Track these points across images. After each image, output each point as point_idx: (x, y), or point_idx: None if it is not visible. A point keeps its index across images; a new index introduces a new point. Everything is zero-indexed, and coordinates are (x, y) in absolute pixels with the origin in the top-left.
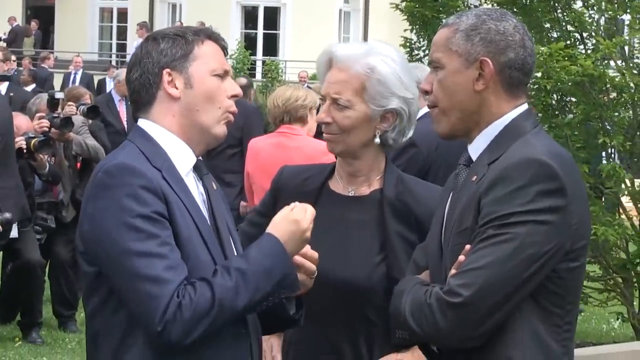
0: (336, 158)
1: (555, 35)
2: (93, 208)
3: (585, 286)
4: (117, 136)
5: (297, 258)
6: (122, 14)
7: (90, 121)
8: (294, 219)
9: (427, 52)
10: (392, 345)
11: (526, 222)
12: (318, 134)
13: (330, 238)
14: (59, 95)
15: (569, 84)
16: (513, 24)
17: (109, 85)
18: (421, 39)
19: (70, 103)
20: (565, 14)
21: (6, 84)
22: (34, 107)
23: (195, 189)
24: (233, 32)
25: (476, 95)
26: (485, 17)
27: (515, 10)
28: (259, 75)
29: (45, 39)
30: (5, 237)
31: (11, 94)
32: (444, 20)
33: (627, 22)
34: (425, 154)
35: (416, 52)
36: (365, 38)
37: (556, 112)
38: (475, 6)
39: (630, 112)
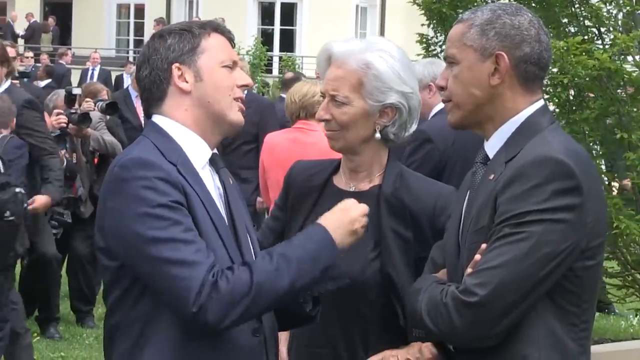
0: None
1: (572, 30)
2: (113, 203)
3: (603, 282)
4: (134, 132)
5: None
6: (139, 10)
7: (107, 117)
8: (342, 207)
9: (443, 48)
10: (386, 340)
11: (542, 220)
12: None
13: None
14: (77, 91)
15: (586, 78)
16: (528, 19)
17: (126, 81)
18: (438, 35)
19: (87, 99)
20: (582, 8)
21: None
22: (51, 104)
23: (212, 182)
24: (250, 28)
25: (492, 89)
26: (501, 12)
27: (533, 4)
28: (275, 71)
29: (63, 35)
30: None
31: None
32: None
33: None
34: (442, 149)
35: (433, 47)
36: (382, 34)
37: (573, 108)
38: (492, 1)
39: None
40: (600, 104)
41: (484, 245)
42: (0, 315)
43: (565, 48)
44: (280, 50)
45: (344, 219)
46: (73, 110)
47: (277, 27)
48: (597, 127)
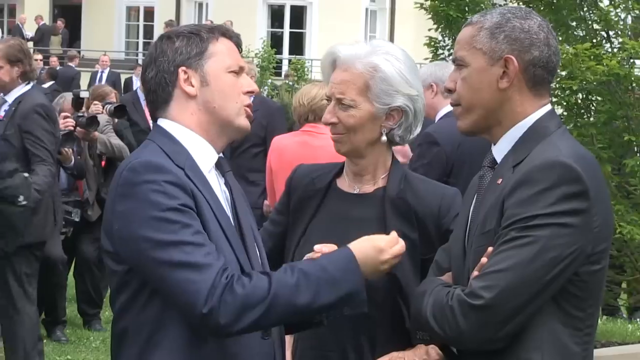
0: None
1: (581, 33)
2: (122, 206)
3: (610, 286)
4: (142, 135)
5: None
6: (149, 13)
7: (116, 120)
8: (378, 245)
9: (451, 51)
10: (393, 342)
11: (549, 224)
12: None
13: (333, 235)
14: (84, 94)
15: (594, 83)
16: (538, 23)
17: (136, 84)
18: (446, 38)
19: (96, 102)
20: (591, 12)
21: None
22: (58, 107)
23: (218, 186)
24: (259, 31)
25: (500, 93)
26: (510, 16)
27: (541, 8)
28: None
29: (73, 38)
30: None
31: None
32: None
33: None
34: (449, 152)
35: (441, 51)
36: (391, 37)
37: (581, 111)
38: (501, 5)
39: None
40: (609, 108)
41: (490, 249)
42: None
43: (574, 53)
44: (290, 53)
45: (376, 257)
46: (80, 114)
47: (286, 30)
48: (604, 131)
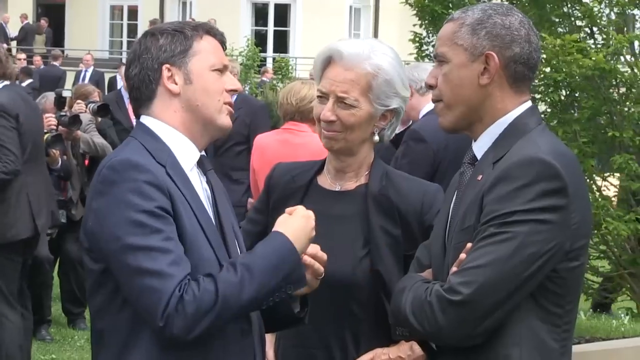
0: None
1: (565, 29)
2: (98, 204)
3: (594, 281)
4: (125, 134)
5: (307, 259)
6: (133, 12)
7: (99, 119)
8: (303, 214)
9: None
10: (378, 339)
11: (527, 221)
12: None
13: (316, 233)
14: (66, 93)
15: (579, 78)
16: (519, 19)
17: (120, 83)
18: (430, 34)
19: (79, 101)
20: (575, 8)
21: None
22: (40, 107)
23: (199, 184)
24: (243, 29)
25: (481, 89)
26: (492, 12)
27: (525, 3)
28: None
29: (56, 37)
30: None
31: None
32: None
33: (637, 17)
34: (435, 149)
35: (425, 47)
36: (375, 34)
37: (565, 107)
38: (485, 1)
39: None
40: (592, 104)
41: (469, 245)
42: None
43: (560, 45)
44: (274, 52)
45: (306, 225)
46: (63, 113)
47: (270, 28)
48: (588, 127)
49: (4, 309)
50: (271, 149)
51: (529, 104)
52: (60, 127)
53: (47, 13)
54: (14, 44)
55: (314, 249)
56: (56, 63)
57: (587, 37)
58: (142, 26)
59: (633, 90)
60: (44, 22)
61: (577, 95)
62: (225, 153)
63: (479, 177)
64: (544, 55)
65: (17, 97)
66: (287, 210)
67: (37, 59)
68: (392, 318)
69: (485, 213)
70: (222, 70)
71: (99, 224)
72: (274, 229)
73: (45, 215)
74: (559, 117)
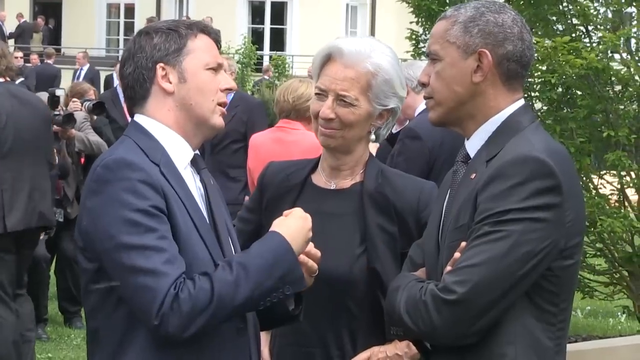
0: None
1: (560, 27)
2: (92, 203)
3: (590, 280)
4: (121, 132)
5: (301, 256)
6: (130, 10)
7: (94, 117)
8: (300, 215)
9: None
10: (375, 337)
11: (522, 219)
12: None
13: (312, 232)
14: (59, 92)
15: (574, 77)
16: (512, 17)
17: (116, 81)
18: (427, 32)
19: (74, 99)
20: (570, 6)
21: None
22: None
23: (193, 183)
24: (240, 27)
25: (474, 87)
26: (484, 9)
27: (521, 3)
28: None
29: (53, 35)
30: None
31: None
32: None
33: (634, 15)
34: (431, 147)
35: (422, 44)
36: (372, 32)
37: (561, 106)
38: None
39: (636, 105)
40: (588, 103)
41: (463, 244)
42: None
43: (553, 47)
44: (271, 50)
45: (304, 226)
46: (57, 112)
47: (267, 26)
48: (584, 125)
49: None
50: (265, 147)
51: (522, 101)
52: (54, 126)
53: (44, 11)
54: (11, 42)
55: (308, 246)
56: (50, 61)
57: (583, 35)
58: (139, 24)
59: (629, 88)
60: (40, 20)
61: (572, 93)
62: (222, 151)
63: (473, 176)
64: (538, 56)
65: (4, 94)
66: (285, 212)
67: (34, 57)
68: (386, 317)
69: (479, 212)
70: (216, 69)
71: (93, 222)
72: (270, 230)
73: (20, 214)
74: (555, 115)
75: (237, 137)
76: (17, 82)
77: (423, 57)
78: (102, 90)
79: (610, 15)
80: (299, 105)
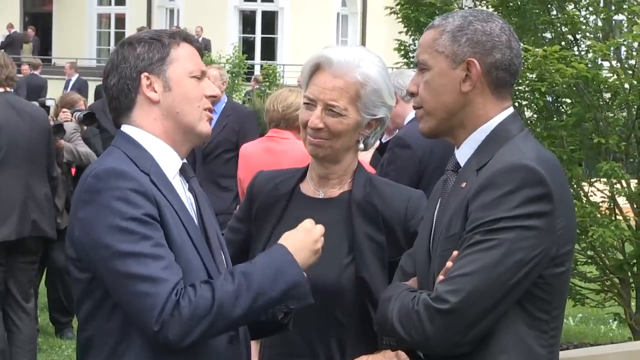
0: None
1: (549, 36)
2: (84, 213)
3: (582, 287)
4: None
5: None
6: (120, 20)
7: (84, 127)
8: (305, 227)
9: None
10: (363, 346)
11: (513, 227)
12: None
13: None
14: (49, 102)
15: (563, 86)
16: (499, 25)
17: None
18: (416, 42)
19: (64, 110)
20: (558, 15)
21: None
22: None
23: (183, 192)
24: (231, 37)
25: (463, 96)
26: (472, 18)
27: (509, 11)
28: None
29: (44, 46)
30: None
31: None
32: None
33: (624, 22)
34: (420, 156)
35: (411, 54)
36: (363, 41)
37: (551, 114)
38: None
39: (625, 112)
40: (578, 111)
41: (455, 253)
42: None
43: (543, 56)
44: (262, 59)
45: (308, 239)
46: None
47: (258, 35)
48: (574, 133)
49: None
50: (255, 157)
51: (511, 110)
52: None
53: (35, 21)
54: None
55: (315, 258)
56: (36, 72)
57: (572, 44)
58: (130, 34)
59: (618, 96)
60: (31, 31)
61: (562, 101)
62: (214, 160)
63: (463, 185)
64: (528, 65)
65: (1, 103)
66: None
67: (25, 68)
68: (378, 327)
69: (470, 220)
70: (200, 76)
71: (86, 233)
72: (279, 241)
73: (14, 224)
74: (545, 123)
75: (229, 147)
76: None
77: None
78: (90, 100)
79: (600, 24)
80: (288, 114)
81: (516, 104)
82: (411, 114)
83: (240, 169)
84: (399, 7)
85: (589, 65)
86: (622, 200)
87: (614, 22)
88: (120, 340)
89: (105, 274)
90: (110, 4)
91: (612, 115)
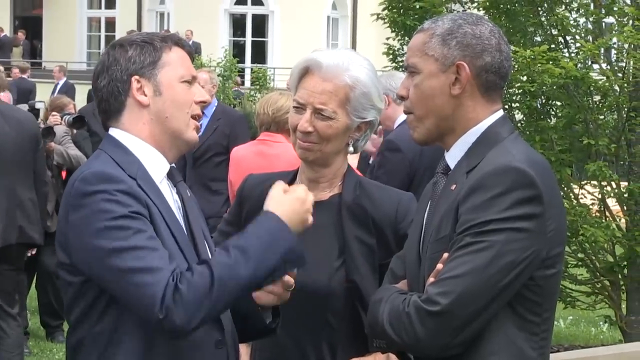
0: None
1: (539, 39)
2: (74, 217)
3: (572, 289)
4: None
5: None
6: (110, 23)
7: (74, 131)
8: (298, 197)
9: None
10: (354, 349)
11: (504, 229)
12: None
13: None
14: (39, 105)
15: (553, 87)
16: (489, 28)
17: None
18: (404, 46)
19: (54, 113)
20: (548, 17)
21: None
22: None
23: (170, 196)
24: (221, 40)
25: (453, 99)
26: (462, 22)
27: (498, 14)
28: (247, 83)
29: (34, 49)
30: None
31: None
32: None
33: (614, 24)
34: (411, 158)
35: (400, 59)
36: (353, 44)
37: (541, 116)
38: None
39: (615, 114)
40: (567, 112)
41: (445, 255)
42: None
43: (531, 57)
44: (252, 62)
45: (300, 208)
46: None
47: (248, 38)
48: (564, 135)
49: None
50: (247, 161)
51: (500, 112)
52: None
53: (24, 25)
54: None
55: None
56: (25, 75)
57: (562, 46)
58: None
59: (608, 98)
60: (21, 35)
61: (552, 103)
62: (204, 164)
63: (453, 187)
64: (517, 66)
65: None
66: (284, 188)
67: (16, 71)
68: (369, 330)
69: (460, 223)
70: (190, 81)
71: (78, 236)
72: (265, 207)
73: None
74: (535, 125)
75: (220, 150)
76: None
77: (402, 70)
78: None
79: (590, 26)
80: (278, 117)
81: (506, 106)
82: (402, 117)
83: (231, 172)
84: (385, 12)
85: (579, 66)
86: (612, 202)
87: (604, 24)
88: (110, 342)
89: (102, 274)
90: (100, 8)
91: (602, 117)
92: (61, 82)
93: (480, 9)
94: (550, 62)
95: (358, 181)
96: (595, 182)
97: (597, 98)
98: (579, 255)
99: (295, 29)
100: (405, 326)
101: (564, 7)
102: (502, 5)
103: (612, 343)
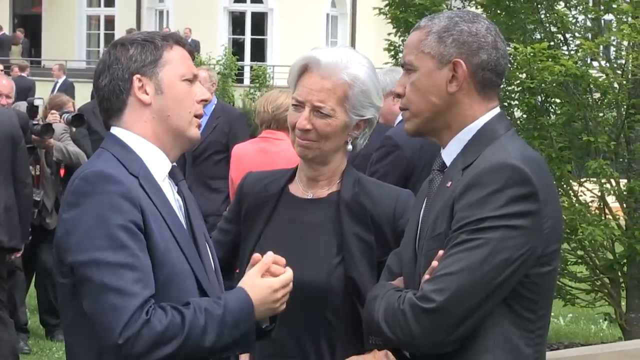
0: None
1: (538, 36)
2: (68, 215)
3: (572, 287)
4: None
5: (274, 267)
6: (110, 22)
7: (73, 129)
8: (273, 286)
9: None
10: (353, 346)
11: (499, 227)
12: None
13: (288, 241)
14: (38, 102)
15: (553, 84)
16: (485, 26)
17: None
18: (405, 43)
19: (53, 111)
20: (548, 15)
21: None
22: None
23: (172, 195)
24: (220, 38)
25: (449, 97)
26: (458, 19)
27: (498, 11)
28: (247, 81)
29: (33, 47)
30: None
31: None
32: None
33: (613, 22)
34: (409, 155)
35: (400, 55)
36: (352, 42)
37: (541, 113)
38: (458, 9)
39: (615, 112)
40: (567, 110)
41: (441, 252)
42: None
43: (532, 54)
44: (252, 60)
45: (269, 298)
46: (35, 122)
47: (247, 36)
48: (564, 132)
49: None
50: (248, 158)
51: (497, 110)
52: (33, 136)
53: (24, 23)
54: None
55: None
56: (24, 74)
57: (561, 43)
58: (119, 35)
59: (607, 95)
60: (20, 33)
61: (552, 101)
62: (204, 162)
63: (449, 184)
64: (517, 64)
65: None
66: (266, 266)
67: (15, 70)
68: (364, 327)
69: (456, 220)
70: (192, 80)
71: (67, 235)
72: (243, 287)
73: None
74: (535, 122)
75: (219, 148)
76: None
77: None
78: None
79: (589, 24)
80: (278, 115)
81: (506, 104)
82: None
83: (232, 170)
84: (387, 7)
85: (579, 64)
86: (611, 200)
87: (603, 22)
88: (101, 353)
89: (80, 279)
90: (99, 6)
91: (601, 114)
92: (60, 81)
93: (479, 6)
94: (550, 60)
95: (357, 178)
96: (594, 180)
97: (596, 95)
98: (579, 252)
99: (294, 26)
100: (400, 323)
101: (563, 4)
102: (501, 3)
103: (612, 340)
